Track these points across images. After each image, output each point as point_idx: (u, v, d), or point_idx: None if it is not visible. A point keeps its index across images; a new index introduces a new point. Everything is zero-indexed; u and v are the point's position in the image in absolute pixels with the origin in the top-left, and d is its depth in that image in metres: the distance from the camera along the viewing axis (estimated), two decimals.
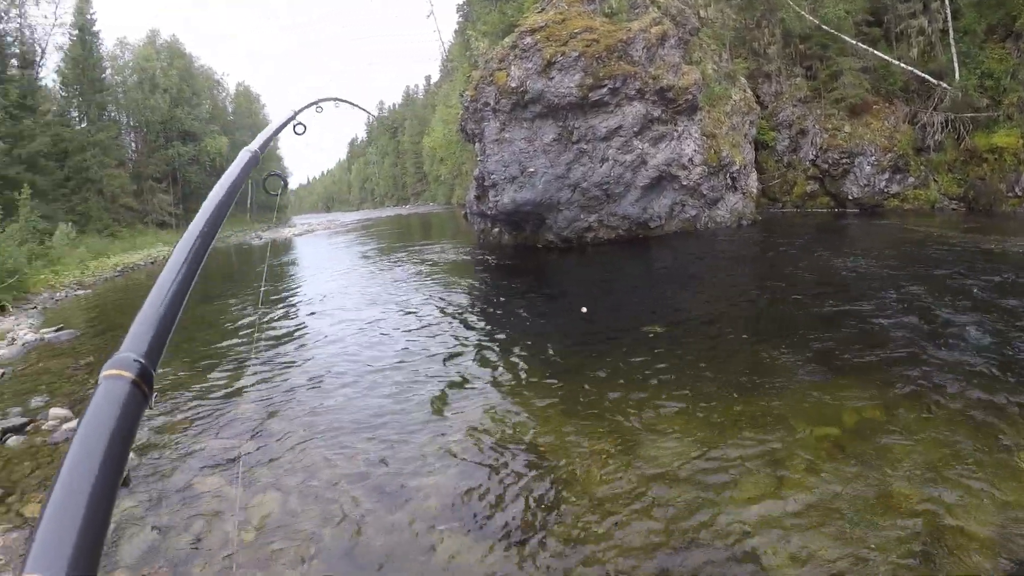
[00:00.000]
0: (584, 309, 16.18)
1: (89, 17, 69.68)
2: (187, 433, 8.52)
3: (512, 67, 23.02)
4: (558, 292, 17.03)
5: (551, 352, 10.57)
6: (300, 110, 3.33)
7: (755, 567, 4.70)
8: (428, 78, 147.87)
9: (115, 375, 1.10)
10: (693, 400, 7.76)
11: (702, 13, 27.57)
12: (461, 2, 66.06)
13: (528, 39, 23.00)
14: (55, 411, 10.14)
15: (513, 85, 22.80)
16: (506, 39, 25.30)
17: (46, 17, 66.98)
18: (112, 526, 6.23)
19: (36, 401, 11.11)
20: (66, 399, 11.07)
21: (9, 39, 59.89)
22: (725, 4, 32.30)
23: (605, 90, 21.86)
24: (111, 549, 5.83)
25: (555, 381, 8.97)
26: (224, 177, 1.95)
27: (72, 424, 9.43)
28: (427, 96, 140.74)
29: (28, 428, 9.71)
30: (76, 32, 68.20)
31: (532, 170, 22.89)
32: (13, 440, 9.22)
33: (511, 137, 23.30)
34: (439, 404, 8.55)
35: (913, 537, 4.88)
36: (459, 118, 28.62)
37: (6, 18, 59.79)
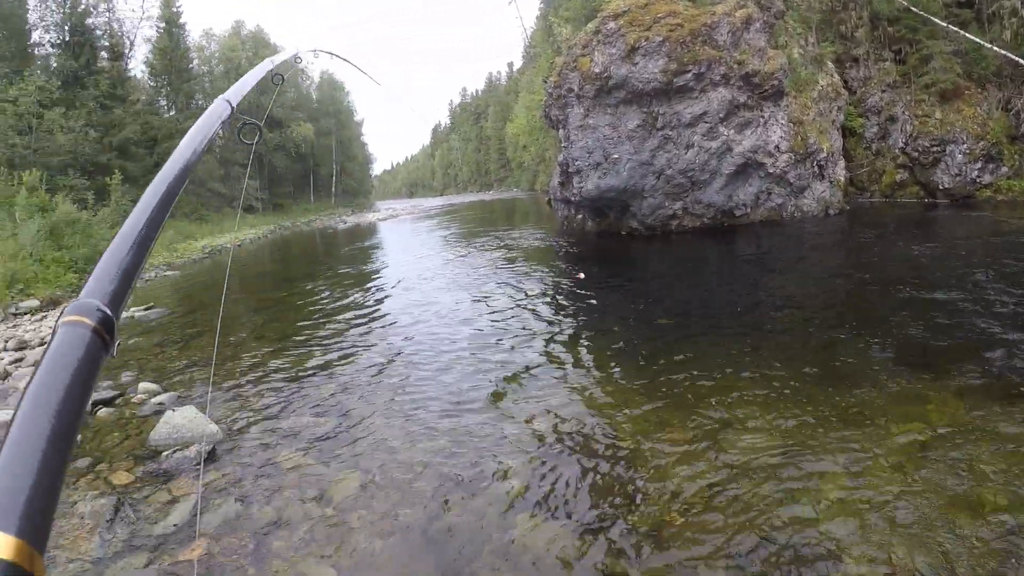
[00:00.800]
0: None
1: (175, 10, 71.81)
2: (270, 410, 8.68)
3: (595, 53, 22.85)
4: (640, 280, 16.82)
5: (630, 340, 10.47)
6: (279, 62, 3.31)
7: (832, 565, 4.58)
8: (511, 64, 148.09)
9: (75, 321, 1.02)
10: (775, 392, 7.60)
11: None
12: None
13: (611, 24, 22.80)
14: (144, 385, 10.41)
15: (597, 71, 22.64)
16: (589, 25, 25.11)
17: (133, 11, 69.22)
18: (197, 497, 6.34)
19: (126, 376, 11.43)
20: (155, 374, 11.37)
21: (99, 32, 62.27)
22: None
23: (690, 75, 21.56)
24: (194, 519, 5.95)
25: (634, 370, 8.87)
26: (195, 127, 1.91)
27: (161, 398, 9.72)
28: (510, 83, 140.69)
29: (118, 400, 10.01)
30: (163, 25, 70.48)
31: (616, 156, 22.70)
32: (104, 411, 9.50)
33: (595, 123, 23.15)
34: (517, 389, 8.55)
35: (1000, 543, 4.69)
36: (543, 104, 28.51)
37: (95, 12, 61.76)
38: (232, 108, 2.19)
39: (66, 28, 58.71)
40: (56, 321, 1.03)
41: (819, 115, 25.25)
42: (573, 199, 24.99)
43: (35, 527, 0.74)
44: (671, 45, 21.64)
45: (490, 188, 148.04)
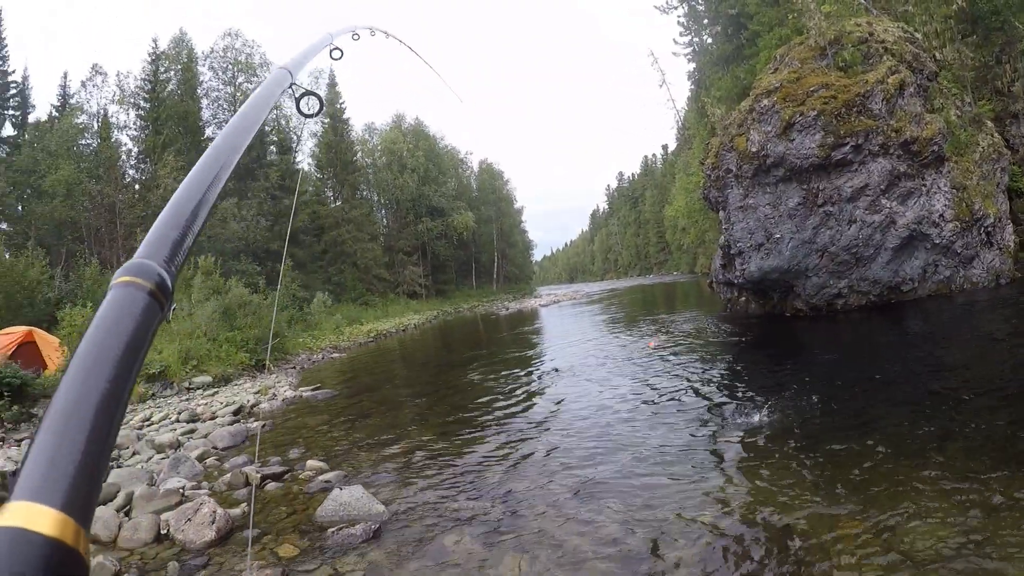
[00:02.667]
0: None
1: (339, 106, 74.79)
2: (435, 493, 8.73)
3: (751, 131, 22.67)
4: (807, 363, 16.08)
5: (797, 423, 10.10)
6: (337, 34, 3.11)
7: None
8: (665, 147, 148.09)
9: (129, 282, 0.99)
10: (957, 480, 7.04)
11: (938, 56, 26.11)
12: (691, 69, 65.83)
13: (765, 101, 22.60)
14: (312, 463, 10.72)
15: (753, 150, 22.41)
16: (742, 103, 25.01)
17: None
18: (360, 574, 6.42)
19: (294, 452, 11.84)
20: (322, 452, 11.68)
21: (267, 128, 64.77)
22: (961, 43, 30.55)
23: (847, 148, 21.05)
24: None
25: (802, 454, 8.53)
26: (254, 95, 1.85)
27: (328, 476, 9.94)
28: (665, 165, 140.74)
29: (286, 476, 10.32)
30: (328, 120, 73.12)
31: (778, 236, 22.32)
32: (272, 486, 9.83)
33: (755, 203, 22.87)
34: (681, 473, 8.34)
35: None
36: (701, 186, 28.39)
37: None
38: (292, 77, 2.16)
39: None
40: (110, 283, 1.00)
41: (982, 178, 24.29)
42: (736, 281, 24.68)
43: (81, 502, 0.71)
44: (826, 118, 21.21)
45: (650, 272, 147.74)
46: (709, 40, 58.47)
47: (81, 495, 0.71)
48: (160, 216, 1.20)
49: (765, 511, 6.85)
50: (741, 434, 9.92)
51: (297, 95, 2.27)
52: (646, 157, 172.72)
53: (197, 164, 1.40)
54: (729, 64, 44.26)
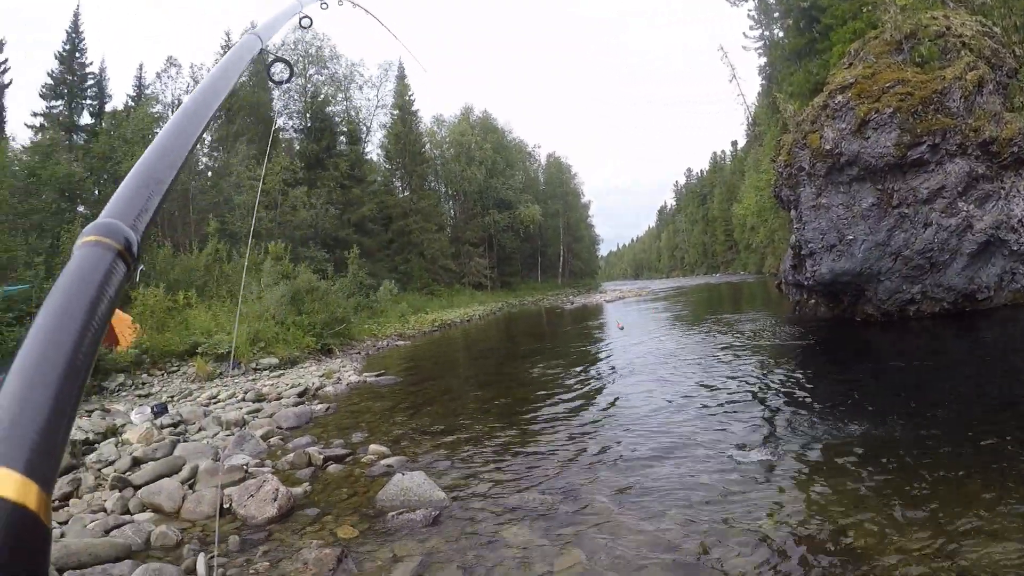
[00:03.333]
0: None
1: (408, 98, 75.69)
2: (496, 482, 8.77)
3: (825, 128, 22.29)
4: (874, 371, 15.61)
5: (862, 433, 9.84)
6: (306, 2, 3.00)
7: None
8: (734, 143, 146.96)
9: (96, 242, 0.94)
10: None
11: (1017, 51, 25.18)
12: (762, 64, 65.26)
13: (839, 97, 22.20)
14: (374, 447, 10.81)
15: (827, 147, 22.04)
16: (816, 99, 24.61)
17: (369, 100, 72.94)
18: (419, 558, 6.42)
19: (357, 436, 11.94)
20: (385, 437, 11.79)
21: (337, 120, 66.89)
22: None
23: (924, 147, 20.54)
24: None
25: (865, 465, 8.29)
26: (223, 61, 1.79)
27: (390, 461, 10.03)
28: (734, 162, 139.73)
29: (348, 459, 10.42)
30: (396, 112, 74.54)
31: (851, 237, 21.87)
32: (334, 467, 9.95)
33: (828, 203, 22.47)
34: (740, 479, 8.21)
35: None
36: (772, 184, 28.09)
37: (334, 101, 66.02)
38: (262, 43, 2.07)
39: (307, 116, 63.20)
40: (73, 244, 0.94)
41: None
42: (806, 283, 24.32)
43: (44, 465, 0.69)
44: (902, 116, 20.75)
45: (716, 271, 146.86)
46: (780, 34, 58.07)
47: (44, 458, 0.69)
48: (127, 177, 1.15)
49: (824, 523, 6.72)
50: (803, 442, 9.75)
51: (268, 61, 2.27)
52: (715, 154, 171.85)
53: (165, 128, 1.36)
54: (801, 59, 43.79)
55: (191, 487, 8.92)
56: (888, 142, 20.73)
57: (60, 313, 0.82)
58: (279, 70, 2.32)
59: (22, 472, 0.66)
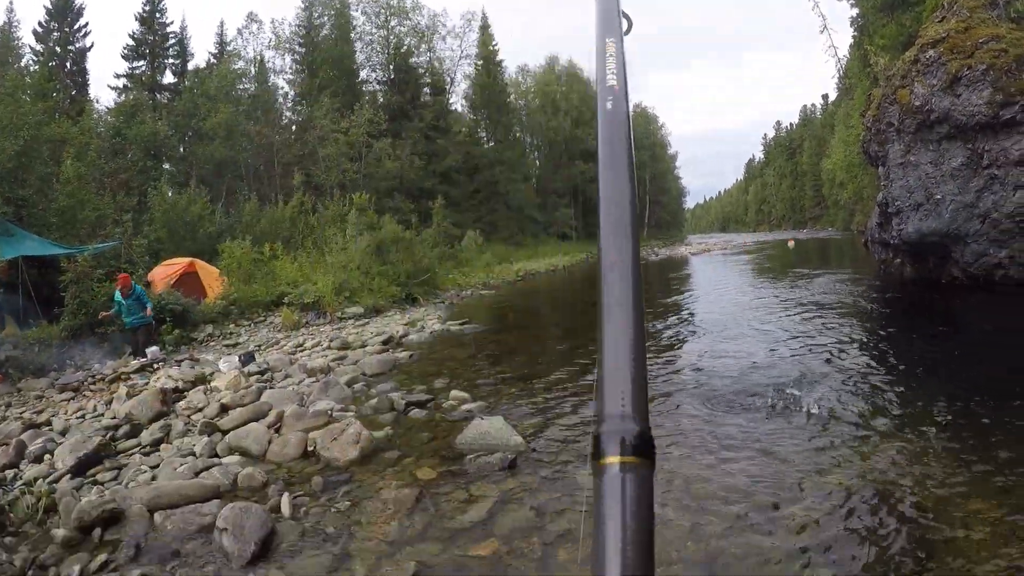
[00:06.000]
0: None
1: (492, 48, 75.34)
2: (572, 429, 8.97)
3: (915, 83, 21.69)
4: (958, 336, 15.54)
5: (939, 400, 9.59)
6: None
7: None
8: (825, 97, 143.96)
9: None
10: None
11: None
12: (854, 15, 63.79)
13: (930, 52, 21.48)
14: (455, 393, 11.04)
15: (917, 104, 21.41)
16: (907, 53, 24.05)
17: (453, 51, 73.04)
18: (494, 499, 6.75)
19: (438, 382, 12.19)
20: (466, 383, 12.00)
21: (421, 71, 66.94)
22: None
23: (1017, 107, 19.57)
24: (490, 519, 6.31)
25: (944, 431, 8.19)
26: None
27: (470, 406, 10.29)
28: (824, 116, 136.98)
29: (429, 404, 10.68)
30: (481, 62, 74.26)
31: (939, 197, 21.25)
32: (415, 412, 10.20)
33: (916, 161, 21.88)
34: (818, 434, 8.29)
35: None
36: (860, 139, 27.63)
37: (417, 52, 66.27)
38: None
39: (391, 67, 63.50)
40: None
41: None
42: (892, 242, 23.90)
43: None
44: (996, 73, 19.91)
45: (804, 226, 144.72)
46: None
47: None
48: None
49: (899, 483, 6.71)
50: (882, 402, 9.74)
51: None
52: (805, 107, 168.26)
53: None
54: (894, 11, 42.57)
55: (277, 431, 9.18)
56: (980, 100, 20.11)
57: None
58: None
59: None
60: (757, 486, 6.78)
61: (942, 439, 7.90)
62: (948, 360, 12.28)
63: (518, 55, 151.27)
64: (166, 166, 42.40)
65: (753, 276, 34.68)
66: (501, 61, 78.80)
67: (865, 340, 14.59)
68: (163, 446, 9.28)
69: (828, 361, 12.39)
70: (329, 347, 17.09)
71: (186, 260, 23.98)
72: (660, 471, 7.28)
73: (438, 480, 7.36)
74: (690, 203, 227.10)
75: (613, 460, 0.92)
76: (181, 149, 44.90)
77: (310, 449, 8.38)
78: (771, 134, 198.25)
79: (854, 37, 65.25)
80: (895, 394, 10.09)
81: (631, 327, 1.05)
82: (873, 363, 12.27)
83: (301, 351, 17.16)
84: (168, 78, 54.00)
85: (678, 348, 14.64)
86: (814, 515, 6.11)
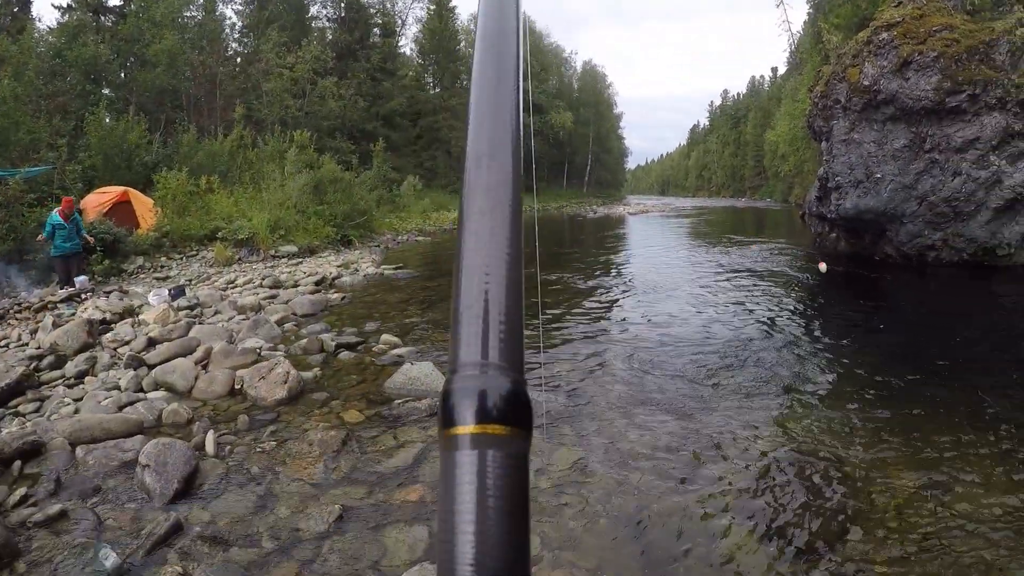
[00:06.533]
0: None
1: None
2: None
3: (866, 64, 21.99)
4: (887, 310, 15.97)
5: (864, 372, 9.90)
6: None
7: None
8: (775, 70, 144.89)
9: None
10: (1020, 454, 6.90)
11: None
12: None
13: (883, 35, 21.81)
14: (386, 336, 11.08)
15: (866, 83, 21.73)
16: (860, 34, 24.27)
17: None
18: (420, 445, 6.79)
19: (370, 326, 12.23)
20: (397, 328, 11.99)
21: (372, 11, 66.75)
22: None
23: (963, 96, 20.14)
24: (416, 465, 6.31)
25: (862, 403, 8.41)
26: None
27: (400, 351, 10.31)
28: (772, 88, 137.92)
29: (359, 347, 10.68)
30: (433, 7, 73.99)
31: (879, 176, 21.70)
32: (345, 354, 10.19)
33: (860, 139, 22.24)
34: (741, 399, 8.39)
35: None
36: (806, 114, 27.89)
37: None
38: None
39: (342, 4, 62.74)
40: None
41: None
42: (829, 216, 24.22)
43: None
44: (945, 61, 20.34)
45: (743, 195, 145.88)
46: None
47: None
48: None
49: (821, 449, 6.88)
50: (808, 370, 9.91)
51: None
52: (753, 77, 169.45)
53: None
54: None
55: (204, 368, 9.10)
56: (928, 86, 20.44)
57: None
58: None
59: None
60: (682, 444, 6.90)
61: (863, 410, 8.10)
62: (875, 335, 12.57)
63: (471, 3, 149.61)
64: (106, 91, 41.18)
65: (689, 239, 35.00)
66: (454, 7, 78.33)
67: (795, 310, 14.90)
68: (88, 379, 9.12)
69: (757, 328, 12.60)
70: (261, 285, 16.94)
71: (120, 189, 23.42)
72: (586, 424, 7.43)
73: (366, 424, 7.38)
74: (631, 164, 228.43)
75: (466, 430, 0.64)
76: (122, 75, 43.63)
77: (237, 387, 8.31)
78: (717, 102, 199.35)
79: (809, 14, 65.63)
80: (821, 364, 10.30)
81: (504, 243, 0.78)
82: (801, 333, 12.51)
83: (232, 288, 16.96)
84: (114, 0, 52.35)
85: (607, 306, 14.77)
86: (739, 477, 6.24)
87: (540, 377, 8.96)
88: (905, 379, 9.54)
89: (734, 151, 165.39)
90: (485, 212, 0.81)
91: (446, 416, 0.65)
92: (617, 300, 15.52)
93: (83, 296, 14.74)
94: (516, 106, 0.97)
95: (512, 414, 0.66)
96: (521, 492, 0.63)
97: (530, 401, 0.68)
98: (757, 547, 5.16)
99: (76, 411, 7.64)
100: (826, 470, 6.41)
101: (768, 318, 13.53)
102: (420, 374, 8.48)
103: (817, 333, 12.64)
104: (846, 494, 5.96)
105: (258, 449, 6.62)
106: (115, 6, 49.43)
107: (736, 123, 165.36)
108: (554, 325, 12.52)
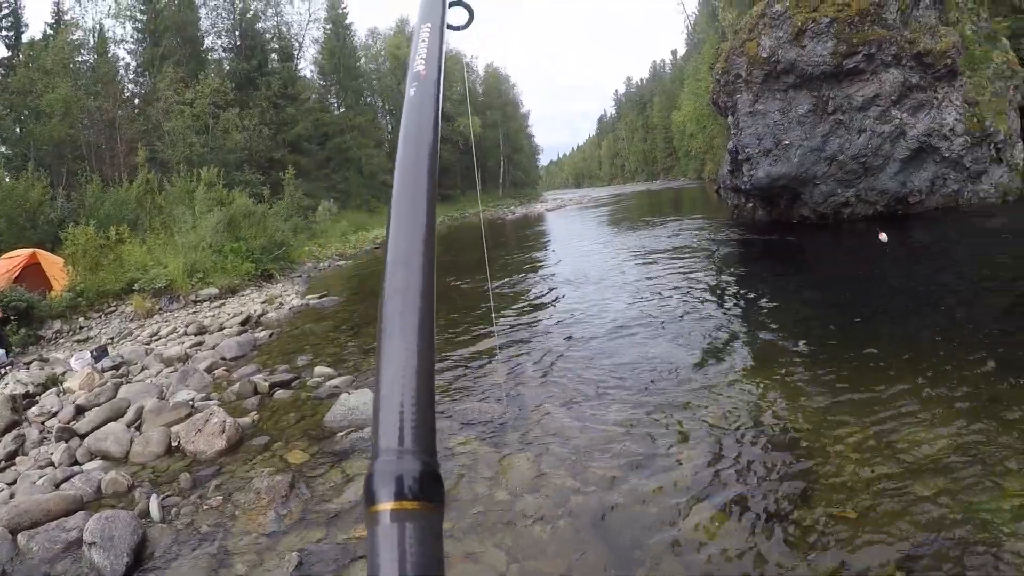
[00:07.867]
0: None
1: (341, 11, 75.29)
2: (443, 393, 8.88)
3: (762, 37, 22.36)
4: (810, 269, 16.45)
5: (801, 329, 10.14)
6: None
7: (1011, 569, 4.35)
8: (674, 52, 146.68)
9: None
10: (956, 392, 7.06)
11: None
12: None
13: (777, 7, 22.20)
14: (320, 369, 10.82)
15: (764, 55, 22.16)
16: (754, 8, 24.64)
17: (300, 14, 72.89)
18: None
19: (302, 359, 11.92)
20: (329, 358, 11.80)
21: (268, 36, 65.79)
22: None
23: (860, 57, 20.84)
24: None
25: (805, 362, 8.53)
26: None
27: (336, 382, 10.07)
28: (674, 71, 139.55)
29: (294, 383, 10.42)
30: (330, 26, 73.94)
31: (787, 143, 22.17)
32: (280, 393, 9.92)
33: (765, 109, 22.69)
34: (686, 375, 8.43)
35: None
36: (710, 91, 28.19)
37: (264, 17, 65.35)
38: None
39: (236, 33, 62.36)
40: None
41: (995, 95, 23.89)
42: (743, 187, 24.54)
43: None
44: (839, 26, 20.92)
45: (657, 177, 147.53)
46: None
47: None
48: None
49: (767, 415, 6.98)
50: (744, 339, 10.03)
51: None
52: (655, 62, 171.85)
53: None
54: None
55: (138, 429, 8.81)
56: (824, 51, 20.89)
57: None
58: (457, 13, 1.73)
59: None
60: (631, 432, 6.87)
61: (801, 370, 8.23)
62: (799, 293, 12.95)
63: (368, 18, 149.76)
64: (1, 149, 40.48)
65: (610, 228, 35.20)
66: (351, 24, 78.33)
67: (722, 281, 14.97)
68: (19, 458, 8.73)
69: (687, 305, 12.66)
70: (186, 333, 16.52)
71: (27, 251, 22.72)
72: (532, 427, 7.33)
73: (311, 462, 7.20)
74: (544, 160, 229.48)
75: (385, 507, 0.77)
76: (17, 130, 42.79)
77: (174, 444, 8.04)
78: (622, 90, 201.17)
79: None
80: (754, 332, 10.38)
81: (415, 338, 0.91)
82: (732, 303, 12.68)
83: (157, 340, 16.51)
84: (1, 51, 51.25)
85: (536, 305, 14.68)
86: (692, 455, 6.24)
87: (501, 385, 8.92)
88: (836, 334, 9.81)
89: (643, 136, 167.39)
90: (400, 302, 0.97)
91: (369, 496, 0.79)
92: (542, 298, 15.46)
93: (2, 371, 14.29)
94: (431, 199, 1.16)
95: (424, 492, 0.79)
96: (436, 558, 0.75)
97: (441, 479, 0.82)
98: (722, 522, 5.15)
99: (11, 496, 7.32)
100: (777, 435, 6.49)
101: (697, 293, 13.62)
102: (358, 403, 8.32)
103: (746, 300, 12.78)
104: (801, 455, 6.04)
105: (205, 507, 6.42)
106: (2, 58, 48.37)
107: (642, 108, 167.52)
108: (481, 333, 12.34)
